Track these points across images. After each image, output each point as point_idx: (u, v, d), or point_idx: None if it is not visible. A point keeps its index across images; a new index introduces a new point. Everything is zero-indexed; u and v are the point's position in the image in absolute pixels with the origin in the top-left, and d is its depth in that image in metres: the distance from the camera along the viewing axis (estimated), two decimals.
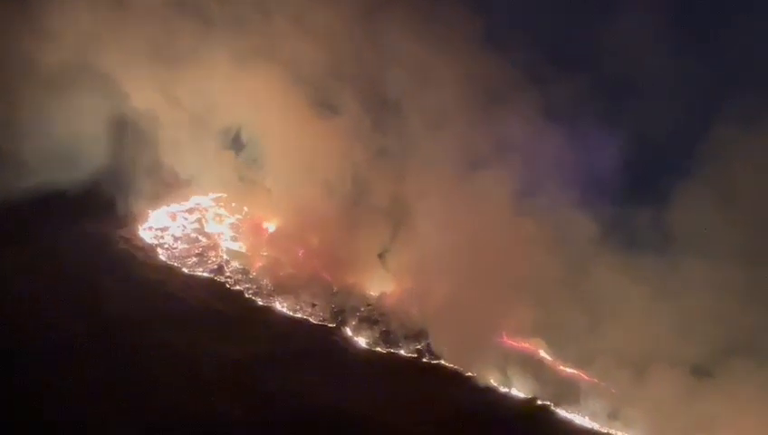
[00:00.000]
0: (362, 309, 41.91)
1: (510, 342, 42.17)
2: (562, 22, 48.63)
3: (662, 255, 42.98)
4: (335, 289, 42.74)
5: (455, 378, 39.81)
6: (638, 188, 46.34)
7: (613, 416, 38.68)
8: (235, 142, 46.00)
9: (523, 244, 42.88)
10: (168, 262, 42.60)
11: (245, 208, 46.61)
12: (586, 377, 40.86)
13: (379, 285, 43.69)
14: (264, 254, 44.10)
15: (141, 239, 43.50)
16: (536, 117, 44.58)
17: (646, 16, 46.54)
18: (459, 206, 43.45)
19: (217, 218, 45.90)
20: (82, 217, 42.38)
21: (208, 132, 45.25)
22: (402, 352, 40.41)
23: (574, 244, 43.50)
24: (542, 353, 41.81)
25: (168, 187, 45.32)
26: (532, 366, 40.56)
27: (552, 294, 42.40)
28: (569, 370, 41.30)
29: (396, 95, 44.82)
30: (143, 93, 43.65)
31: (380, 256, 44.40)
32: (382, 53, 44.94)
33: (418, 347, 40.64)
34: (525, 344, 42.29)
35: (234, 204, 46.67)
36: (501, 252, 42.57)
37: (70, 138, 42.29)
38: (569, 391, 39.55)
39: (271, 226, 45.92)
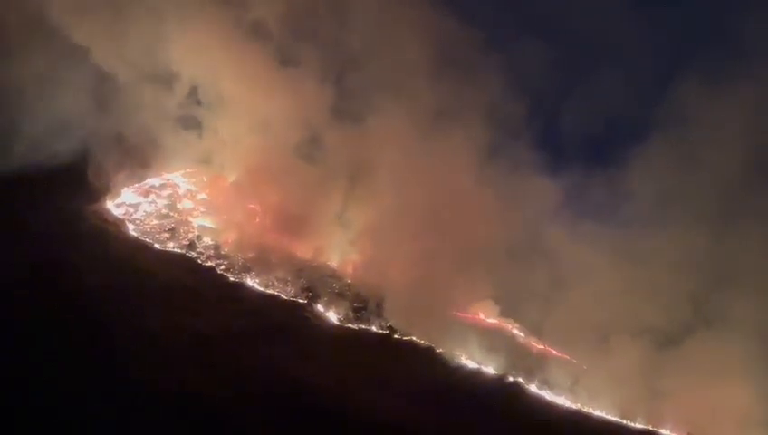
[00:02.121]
0: (334, 285, 41.98)
1: (471, 315, 42.56)
2: None
3: (623, 223, 43.53)
4: (298, 256, 43.01)
5: (425, 354, 40.10)
6: (597, 156, 46.79)
7: (578, 390, 39.17)
8: (192, 97, 45.55)
9: (482, 212, 43.20)
10: (140, 238, 42.41)
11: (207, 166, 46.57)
12: (554, 352, 41.34)
13: (339, 253, 44.06)
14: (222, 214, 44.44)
15: (113, 215, 43.31)
16: (497, 81, 44.84)
17: None
18: (418, 167, 43.81)
19: (189, 194, 45.67)
20: (55, 193, 42.04)
21: (167, 92, 44.89)
22: (374, 328, 40.63)
23: (534, 212, 43.93)
24: (511, 329, 42.23)
25: (140, 163, 44.95)
26: (500, 342, 41.01)
27: (512, 265, 42.86)
28: (536, 344, 41.75)
29: (356, 53, 44.80)
30: (99, 49, 43.04)
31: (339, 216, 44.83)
32: (343, 10, 45.03)
33: (390, 324, 40.82)
34: (483, 316, 42.73)
35: (204, 178, 46.52)
36: (460, 220, 42.96)
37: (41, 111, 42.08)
38: (537, 367, 40.01)
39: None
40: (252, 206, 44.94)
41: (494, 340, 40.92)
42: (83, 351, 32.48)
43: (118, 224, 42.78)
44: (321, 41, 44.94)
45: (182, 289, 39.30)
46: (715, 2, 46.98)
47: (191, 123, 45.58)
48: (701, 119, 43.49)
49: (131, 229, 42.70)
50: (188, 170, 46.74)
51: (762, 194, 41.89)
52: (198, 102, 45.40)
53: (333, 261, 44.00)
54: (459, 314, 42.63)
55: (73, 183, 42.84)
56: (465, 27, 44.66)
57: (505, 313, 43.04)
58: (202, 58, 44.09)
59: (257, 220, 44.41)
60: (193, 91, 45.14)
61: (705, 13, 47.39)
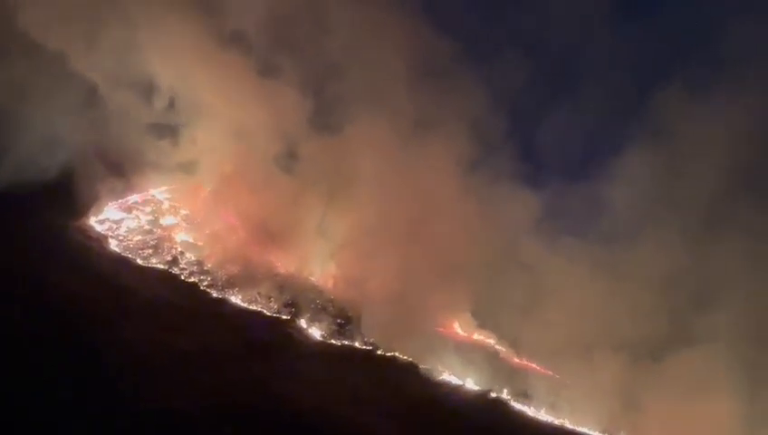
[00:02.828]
0: (317, 301, 42.00)
1: (452, 331, 42.66)
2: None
3: (603, 237, 43.68)
4: (280, 271, 43.07)
5: (408, 370, 40.23)
6: (577, 169, 47.01)
7: (561, 405, 39.30)
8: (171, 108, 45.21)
9: (462, 225, 43.41)
10: (123, 253, 42.27)
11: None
12: (536, 367, 41.47)
13: (321, 266, 44.00)
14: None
15: (96, 231, 43.12)
16: (478, 93, 45.12)
17: None
18: (398, 178, 43.91)
19: (172, 210, 45.60)
20: (37, 210, 41.76)
21: (147, 103, 44.65)
22: (357, 344, 40.70)
23: (514, 225, 44.02)
24: (493, 344, 42.35)
25: (123, 178, 44.89)
26: (482, 357, 41.17)
27: (492, 279, 42.97)
28: (518, 359, 41.88)
29: (336, 63, 44.90)
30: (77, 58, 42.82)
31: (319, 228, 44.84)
32: (323, 17, 45.01)
33: (371, 340, 40.87)
34: (464, 331, 42.82)
35: (186, 193, 46.33)
36: (440, 233, 43.16)
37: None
38: (519, 382, 40.16)
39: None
40: (231, 218, 44.75)
41: (476, 355, 41.11)
42: (64, 367, 32.33)
43: (100, 240, 42.57)
44: (301, 50, 45.07)
45: (165, 305, 39.17)
46: (695, 14, 47.30)
47: (170, 134, 45.45)
48: (682, 131, 43.79)
49: (114, 245, 42.55)
50: (171, 186, 46.49)
51: (743, 207, 42.15)
52: (177, 113, 45.20)
53: (315, 275, 43.99)
54: (440, 329, 42.73)
55: (55, 199, 42.62)
56: (447, 38, 45.05)
57: (486, 327, 43.14)
58: (180, 67, 43.92)
59: (238, 234, 44.18)
60: (172, 102, 44.92)
61: (685, 25, 47.79)
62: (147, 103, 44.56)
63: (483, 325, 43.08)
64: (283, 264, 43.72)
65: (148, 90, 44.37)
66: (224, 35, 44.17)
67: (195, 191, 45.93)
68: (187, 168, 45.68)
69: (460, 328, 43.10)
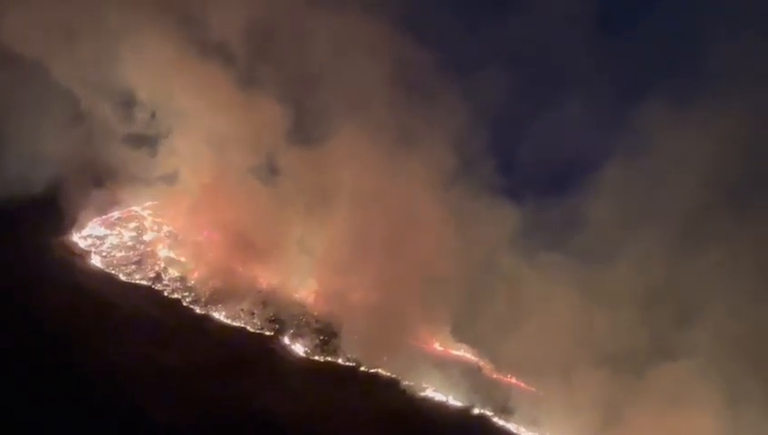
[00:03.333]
0: (300, 317, 41.96)
1: (434, 347, 42.73)
2: (487, 14, 49.31)
3: (583, 252, 43.77)
4: (263, 287, 42.87)
5: (391, 387, 40.04)
6: (558, 184, 46.91)
7: (543, 421, 39.38)
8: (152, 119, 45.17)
9: (442, 239, 43.40)
10: (106, 269, 42.26)
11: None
12: (518, 383, 41.51)
13: (303, 281, 43.81)
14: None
15: (79, 247, 43.15)
16: (458, 107, 44.92)
17: (566, 9, 47.52)
18: (379, 192, 43.65)
19: (155, 226, 45.55)
20: (20, 226, 41.86)
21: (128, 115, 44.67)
22: (340, 360, 40.56)
23: (495, 241, 44.14)
24: (476, 360, 42.38)
25: (106, 194, 44.94)
26: (465, 373, 41.13)
27: (472, 295, 42.97)
28: (501, 375, 41.92)
29: (317, 75, 44.66)
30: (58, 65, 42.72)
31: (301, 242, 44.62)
32: (304, 29, 44.95)
33: (354, 356, 40.98)
34: (445, 347, 42.87)
35: (169, 208, 46.30)
36: (420, 248, 42.92)
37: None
38: (502, 398, 40.19)
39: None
40: (212, 232, 44.74)
41: (458, 371, 41.01)
42: (48, 382, 32.39)
43: (84, 256, 42.59)
44: (282, 62, 44.86)
45: (148, 322, 39.20)
46: (675, 30, 47.61)
47: (151, 145, 45.46)
48: (662, 147, 43.92)
49: (97, 261, 42.56)
50: (154, 202, 46.54)
51: (723, 221, 42.33)
52: (158, 124, 45.21)
53: (298, 290, 43.78)
54: (421, 344, 42.67)
55: (40, 215, 42.75)
56: (428, 51, 44.90)
57: (467, 342, 43.04)
58: (160, 78, 43.87)
59: (220, 249, 44.08)
60: (153, 113, 44.92)
61: (665, 41, 48.05)
62: (128, 115, 44.63)
63: (463, 340, 42.94)
64: (266, 278, 43.55)
65: (128, 101, 44.41)
66: (204, 46, 44.02)
67: (177, 205, 45.77)
68: (168, 179, 45.69)
69: (441, 343, 43.03)
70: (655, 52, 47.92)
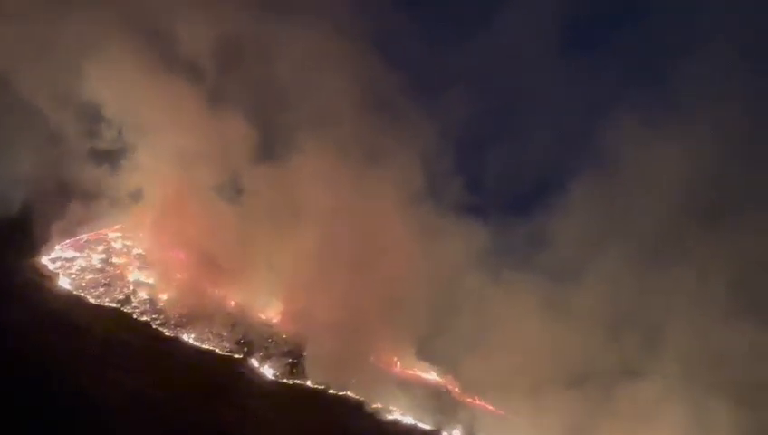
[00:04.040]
0: (269, 340, 42.10)
1: (401, 369, 42.96)
2: (452, 32, 49.83)
3: (550, 271, 44.14)
4: (232, 309, 42.98)
5: (360, 410, 40.28)
6: (524, 202, 47.23)
7: None
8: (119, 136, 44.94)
9: (409, 259, 43.73)
10: (75, 292, 42.08)
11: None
12: (487, 405, 41.81)
13: (268, 301, 44.00)
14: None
15: (48, 269, 42.96)
16: (424, 127, 45.48)
17: (533, 26, 48.19)
18: (344, 210, 43.90)
19: (124, 249, 45.52)
20: None
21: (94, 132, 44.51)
22: (309, 383, 40.68)
23: (461, 260, 44.42)
24: (443, 382, 42.63)
25: (75, 216, 44.82)
26: (434, 395, 41.58)
27: (438, 315, 43.23)
28: (468, 398, 42.20)
29: (283, 93, 44.87)
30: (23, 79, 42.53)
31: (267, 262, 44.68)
32: (272, 46, 45.09)
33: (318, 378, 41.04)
34: (407, 368, 43.12)
35: (138, 230, 46.24)
36: (386, 267, 43.26)
37: None
38: (471, 421, 40.49)
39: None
40: (179, 252, 44.78)
41: (426, 394, 41.36)
42: (15, 406, 32.18)
43: (53, 278, 42.42)
44: (249, 79, 45.08)
45: (117, 344, 39.09)
46: (641, 46, 48.36)
47: (117, 160, 45.29)
48: (630, 165, 44.48)
49: (66, 284, 42.38)
50: (123, 224, 46.49)
51: (691, 241, 42.84)
52: (124, 140, 45.01)
53: (265, 311, 43.95)
54: (387, 366, 42.92)
55: (12, 236, 42.67)
56: (395, 70, 45.50)
57: (434, 363, 43.29)
58: (127, 94, 43.85)
59: (188, 270, 44.14)
60: (119, 129, 44.71)
61: (631, 58, 48.80)
62: (94, 131, 44.50)
63: (430, 361, 43.26)
64: (234, 299, 43.69)
65: (95, 117, 44.22)
66: (171, 62, 44.08)
67: (144, 223, 45.68)
68: (135, 197, 45.51)
69: (407, 365, 43.27)
70: (621, 69, 48.66)
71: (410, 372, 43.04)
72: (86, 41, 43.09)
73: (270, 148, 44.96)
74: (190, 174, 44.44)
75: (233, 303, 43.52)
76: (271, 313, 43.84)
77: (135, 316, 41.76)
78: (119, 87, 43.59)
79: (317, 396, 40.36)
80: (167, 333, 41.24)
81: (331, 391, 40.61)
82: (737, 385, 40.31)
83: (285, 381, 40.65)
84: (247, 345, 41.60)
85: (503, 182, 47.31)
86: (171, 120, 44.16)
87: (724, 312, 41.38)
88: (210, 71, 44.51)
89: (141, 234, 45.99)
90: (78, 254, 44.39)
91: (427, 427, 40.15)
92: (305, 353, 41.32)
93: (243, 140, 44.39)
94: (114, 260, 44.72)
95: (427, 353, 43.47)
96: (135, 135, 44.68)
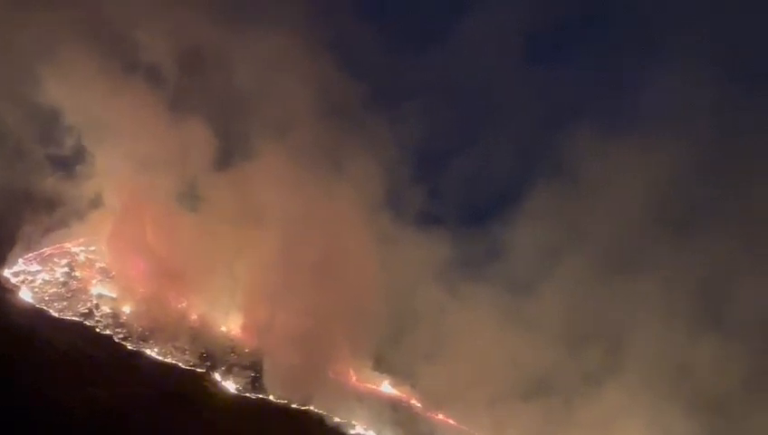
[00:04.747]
0: (232, 354, 42.24)
1: (359, 382, 43.19)
2: (413, 44, 50.48)
3: (511, 283, 44.59)
4: (194, 322, 43.10)
5: (322, 424, 40.51)
6: (485, 215, 47.73)
7: None
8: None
9: (368, 270, 44.06)
10: (37, 305, 41.98)
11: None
12: (448, 419, 42.09)
13: (228, 314, 44.14)
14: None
15: (11, 283, 42.80)
16: (386, 135, 46.27)
17: (494, 38, 48.89)
18: (304, 222, 44.04)
19: (87, 262, 45.41)
20: None
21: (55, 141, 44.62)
22: (272, 397, 40.84)
23: (420, 271, 44.70)
24: (405, 396, 42.87)
25: (38, 229, 44.70)
26: (395, 410, 41.87)
27: (398, 328, 43.60)
28: (428, 412, 42.43)
29: (244, 101, 45.24)
30: None
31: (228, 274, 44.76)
32: (232, 53, 45.49)
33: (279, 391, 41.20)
34: (375, 383, 43.37)
35: (102, 244, 46.04)
36: (345, 278, 43.52)
37: None
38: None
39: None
40: (139, 261, 44.64)
41: (387, 408, 41.65)
42: None
43: (15, 291, 42.27)
44: (210, 85, 45.60)
45: (80, 358, 38.86)
46: (601, 59, 49.20)
47: (77, 171, 45.39)
48: (588, 176, 45.18)
49: (29, 297, 42.29)
50: (86, 238, 46.38)
51: (655, 251, 43.42)
52: (83, 149, 45.07)
53: (226, 323, 44.11)
54: (349, 381, 43.16)
55: None
56: (356, 80, 46.29)
57: (395, 377, 43.59)
58: (85, 99, 43.77)
59: (150, 283, 44.04)
60: (78, 137, 44.76)
61: (590, 70, 49.60)
62: (53, 139, 44.70)
63: (390, 375, 43.54)
64: (196, 312, 43.80)
65: (53, 125, 44.41)
66: (131, 68, 44.56)
67: (103, 231, 45.52)
68: (94, 202, 45.51)
69: (367, 378, 43.50)
70: (580, 81, 49.47)
71: (369, 385, 43.20)
72: (43, 44, 43.21)
73: (230, 154, 45.37)
74: (149, 180, 44.47)
75: (195, 316, 43.50)
76: (232, 325, 43.96)
77: (98, 330, 41.73)
78: (77, 92, 43.55)
79: (279, 410, 40.48)
80: (130, 347, 41.22)
81: (293, 406, 40.73)
82: (698, 396, 40.90)
83: (248, 395, 40.78)
84: (210, 359, 41.68)
85: (462, 193, 47.84)
86: (130, 126, 44.26)
87: (686, 322, 42.11)
88: (170, 77, 44.94)
89: (102, 242, 45.79)
90: (41, 267, 44.25)
91: None
92: (264, 367, 41.38)
93: (203, 147, 44.65)
94: (77, 274, 44.63)
95: (385, 366, 43.61)
96: (94, 141, 44.67)
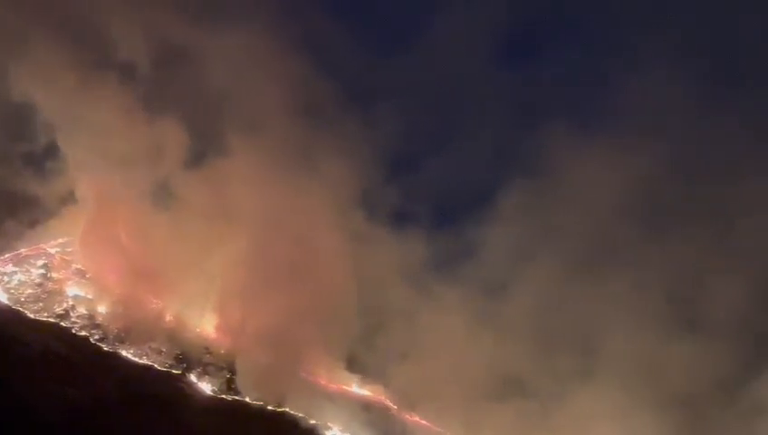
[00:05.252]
0: (207, 355, 42.34)
1: (333, 383, 43.37)
2: (387, 44, 50.69)
3: (484, 283, 44.75)
4: (170, 323, 43.10)
5: (297, 426, 40.64)
6: (453, 215, 47.96)
7: None
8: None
9: (341, 270, 44.21)
10: (13, 306, 41.89)
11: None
12: (422, 421, 42.30)
13: (202, 314, 44.20)
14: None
15: None
16: (356, 137, 46.45)
17: (468, 38, 49.23)
18: (277, 217, 44.30)
19: (63, 264, 45.35)
20: None
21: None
22: (248, 399, 40.92)
23: (393, 271, 44.93)
24: (380, 398, 43.07)
25: (15, 230, 44.62)
26: (371, 411, 42.12)
27: (371, 328, 43.78)
28: (403, 413, 42.65)
29: (217, 99, 45.42)
30: None
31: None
32: (203, 52, 45.47)
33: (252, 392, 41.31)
34: (350, 384, 43.52)
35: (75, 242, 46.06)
36: (318, 277, 43.65)
37: None
38: None
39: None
40: (112, 260, 44.66)
41: (363, 409, 41.90)
42: None
43: None
44: (183, 84, 45.56)
45: (56, 359, 38.80)
46: (574, 59, 49.62)
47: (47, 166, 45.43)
48: (563, 176, 45.67)
49: (4, 298, 42.22)
50: (62, 239, 46.32)
51: (625, 252, 43.78)
52: (55, 144, 45.03)
53: (201, 325, 44.17)
54: (323, 382, 43.30)
55: None
56: (330, 80, 46.55)
57: (370, 379, 43.80)
58: (60, 98, 43.71)
59: (125, 283, 44.08)
60: (51, 135, 44.78)
61: (562, 71, 49.99)
62: (25, 133, 44.78)
63: (362, 375, 43.78)
64: (171, 312, 43.83)
65: (25, 119, 44.36)
66: (104, 64, 44.30)
67: (77, 228, 45.59)
68: (66, 200, 45.70)
69: (337, 379, 43.62)
70: (553, 82, 49.87)
71: (343, 386, 43.33)
72: (15, 41, 43.18)
73: (204, 152, 45.37)
74: (122, 178, 44.47)
75: (170, 316, 43.56)
76: (207, 326, 43.97)
77: (74, 331, 41.68)
78: (49, 89, 43.45)
79: (255, 412, 40.58)
80: (105, 348, 41.20)
81: (269, 408, 40.82)
82: (671, 395, 41.35)
83: (224, 396, 40.88)
84: (185, 360, 41.74)
85: (435, 193, 48.03)
86: (103, 124, 44.03)
87: (659, 323, 42.57)
88: (143, 74, 44.95)
89: (75, 241, 45.84)
90: (16, 268, 44.19)
91: None
92: (236, 368, 41.48)
93: (176, 145, 44.70)
94: (53, 275, 44.57)
95: (358, 366, 43.80)
96: (67, 138, 44.51)
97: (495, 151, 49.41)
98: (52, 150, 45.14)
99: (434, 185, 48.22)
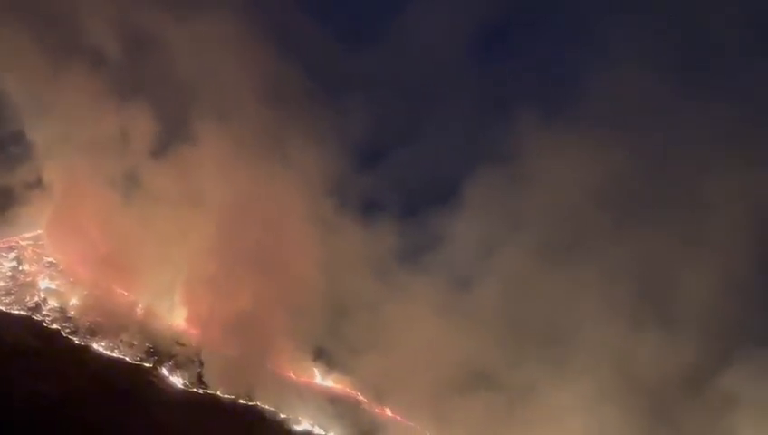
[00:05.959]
0: (178, 348, 42.27)
1: (307, 378, 43.64)
2: (357, 33, 50.81)
3: (453, 274, 44.85)
4: (141, 316, 42.98)
5: (268, 420, 40.81)
6: (424, 204, 47.81)
7: None
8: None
9: (310, 260, 44.21)
10: None
11: None
12: (394, 415, 42.63)
13: (172, 305, 44.19)
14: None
15: None
16: (325, 126, 46.53)
17: (438, 29, 49.47)
18: (244, 206, 44.25)
19: (35, 257, 45.29)
20: None
21: None
22: (219, 392, 41.03)
23: (361, 262, 45.18)
24: (352, 392, 43.33)
25: None
26: (342, 405, 42.37)
27: (339, 320, 43.90)
28: (374, 407, 42.94)
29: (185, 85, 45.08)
30: None
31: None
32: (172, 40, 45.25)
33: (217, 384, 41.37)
34: (318, 378, 43.77)
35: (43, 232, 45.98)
36: (286, 268, 43.81)
37: None
38: (378, 430, 41.43)
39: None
40: (79, 248, 44.66)
41: (334, 403, 42.13)
42: None
43: None
44: (151, 72, 45.33)
45: (27, 352, 38.89)
46: (547, 48, 49.95)
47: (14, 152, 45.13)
48: (531, 166, 45.62)
49: None
50: (34, 232, 46.24)
51: (598, 241, 44.15)
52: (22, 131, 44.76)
53: (171, 318, 44.09)
54: (294, 376, 43.43)
55: None
56: (300, 69, 46.43)
57: (338, 371, 43.93)
58: (27, 83, 43.73)
59: (93, 274, 44.07)
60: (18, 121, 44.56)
61: (531, 60, 50.27)
62: None
63: (331, 368, 44.02)
64: (141, 304, 43.73)
65: None
66: (72, 51, 44.05)
67: (44, 216, 45.49)
68: (33, 186, 45.24)
69: (304, 372, 43.85)
70: (521, 71, 50.08)
71: (312, 380, 43.53)
72: None
73: (172, 140, 45.05)
74: (89, 165, 44.44)
75: (140, 309, 43.51)
76: (177, 318, 43.97)
77: (45, 324, 41.62)
78: (16, 74, 43.45)
79: (225, 406, 40.66)
80: (77, 342, 41.19)
81: (240, 401, 40.96)
82: (640, 389, 41.83)
83: (195, 390, 40.92)
84: (157, 354, 41.73)
85: (403, 183, 48.11)
86: (70, 110, 44.10)
87: (629, 315, 42.86)
88: (112, 61, 44.71)
89: (43, 231, 45.70)
90: None
91: None
92: (203, 360, 41.55)
93: (144, 132, 44.54)
94: (24, 267, 44.46)
95: (326, 358, 44.00)
96: (33, 125, 44.44)
97: (466, 142, 49.45)
98: (17, 137, 44.90)
99: (404, 175, 48.19)
